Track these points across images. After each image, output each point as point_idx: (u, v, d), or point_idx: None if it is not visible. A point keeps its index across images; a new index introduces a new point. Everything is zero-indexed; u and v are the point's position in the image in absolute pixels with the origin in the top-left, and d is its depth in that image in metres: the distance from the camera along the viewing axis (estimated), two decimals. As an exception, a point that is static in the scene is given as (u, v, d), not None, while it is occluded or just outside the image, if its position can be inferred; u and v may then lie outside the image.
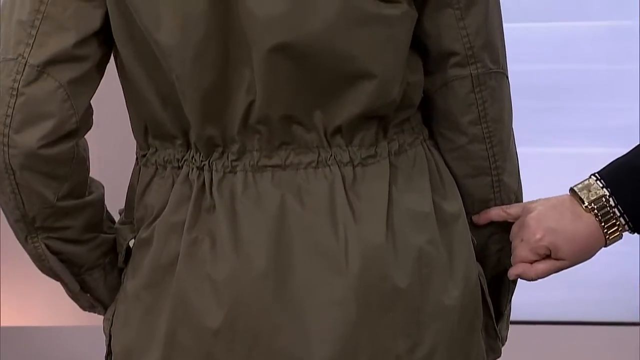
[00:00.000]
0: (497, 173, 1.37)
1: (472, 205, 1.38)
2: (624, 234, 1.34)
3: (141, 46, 1.28)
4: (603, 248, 1.34)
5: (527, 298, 2.87)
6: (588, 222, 1.32)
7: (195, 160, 1.31)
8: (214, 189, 1.30)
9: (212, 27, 1.24)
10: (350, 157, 1.30)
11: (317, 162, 1.29)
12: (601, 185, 1.32)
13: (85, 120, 1.31)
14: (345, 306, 1.26)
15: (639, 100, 2.80)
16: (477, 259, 1.37)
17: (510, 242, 1.38)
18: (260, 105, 1.27)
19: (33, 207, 1.32)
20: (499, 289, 1.45)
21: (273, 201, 1.28)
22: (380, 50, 1.26)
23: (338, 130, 1.29)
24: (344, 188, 1.28)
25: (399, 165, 1.32)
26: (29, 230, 1.34)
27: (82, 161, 1.33)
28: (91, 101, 1.32)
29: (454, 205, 1.35)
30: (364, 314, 1.26)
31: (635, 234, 1.34)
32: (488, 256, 1.43)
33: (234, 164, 1.30)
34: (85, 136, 1.34)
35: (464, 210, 1.36)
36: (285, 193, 1.28)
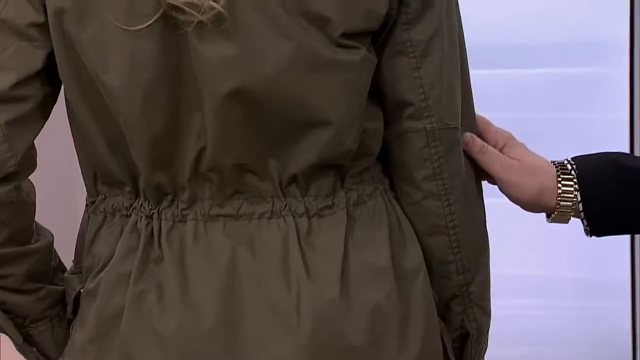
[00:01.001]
0: (455, 232, 1.31)
1: (432, 265, 1.32)
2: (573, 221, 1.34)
3: (88, 88, 1.24)
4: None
5: (514, 354, 2.82)
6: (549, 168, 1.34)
7: (144, 208, 1.27)
8: (162, 238, 1.26)
9: (161, 70, 1.20)
10: (305, 207, 1.25)
11: (272, 212, 1.25)
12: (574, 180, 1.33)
13: (26, 163, 1.27)
14: None
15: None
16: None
17: (473, 306, 1.35)
18: (211, 152, 1.22)
19: None
20: (461, 352, 1.39)
21: (224, 252, 1.24)
22: (336, 96, 1.22)
23: (293, 180, 1.25)
24: (298, 240, 1.24)
25: (357, 217, 1.27)
26: None
27: (23, 205, 1.28)
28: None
29: (414, 259, 1.29)
30: None
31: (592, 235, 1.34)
32: (450, 317, 1.37)
33: (184, 212, 1.26)
34: (36, 179, 1.30)
35: (424, 265, 1.30)
36: (237, 244, 1.24)
